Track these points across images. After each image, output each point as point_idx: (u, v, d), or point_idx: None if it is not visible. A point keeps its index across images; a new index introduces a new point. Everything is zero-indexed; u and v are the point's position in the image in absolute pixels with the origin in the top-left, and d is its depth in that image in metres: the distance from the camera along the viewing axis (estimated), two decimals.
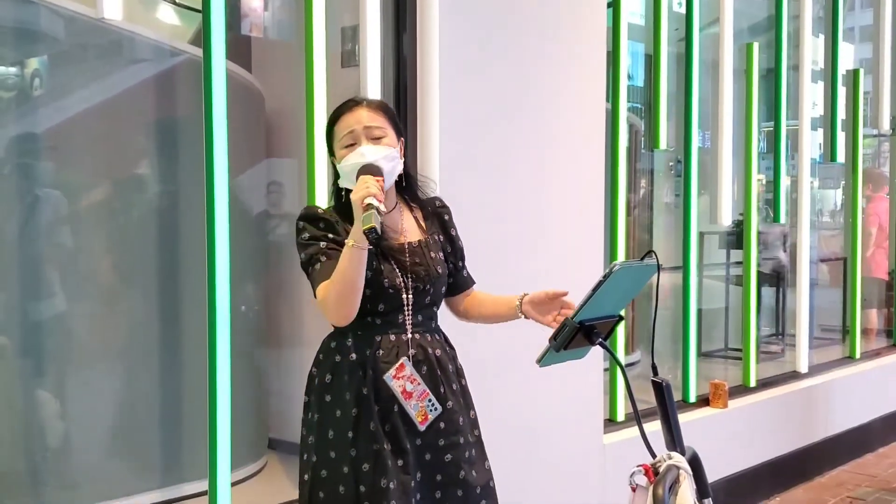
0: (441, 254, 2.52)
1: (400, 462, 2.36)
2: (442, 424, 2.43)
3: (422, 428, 2.39)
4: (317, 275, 2.32)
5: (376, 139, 2.36)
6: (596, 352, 2.37)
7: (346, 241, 2.25)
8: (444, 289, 2.53)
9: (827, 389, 5.73)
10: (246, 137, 3.87)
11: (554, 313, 2.42)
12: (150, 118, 3.64)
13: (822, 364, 6.02)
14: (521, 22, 3.75)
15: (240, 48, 4.30)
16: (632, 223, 5.50)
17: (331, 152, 2.45)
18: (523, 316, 2.49)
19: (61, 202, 3.34)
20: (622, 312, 2.34)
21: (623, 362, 2.46)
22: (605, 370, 4.34)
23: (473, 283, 2.68)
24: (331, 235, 2.34)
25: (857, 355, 6.33)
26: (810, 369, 5.79)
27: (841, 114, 6.32)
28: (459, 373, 2.56)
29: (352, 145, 2.35)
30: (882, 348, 6.81)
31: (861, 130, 6.44)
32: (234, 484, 3.13)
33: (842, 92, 6.34)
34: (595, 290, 2.11)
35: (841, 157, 6.35)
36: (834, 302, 7.16)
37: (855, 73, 6.50)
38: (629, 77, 4.56)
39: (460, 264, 2.62)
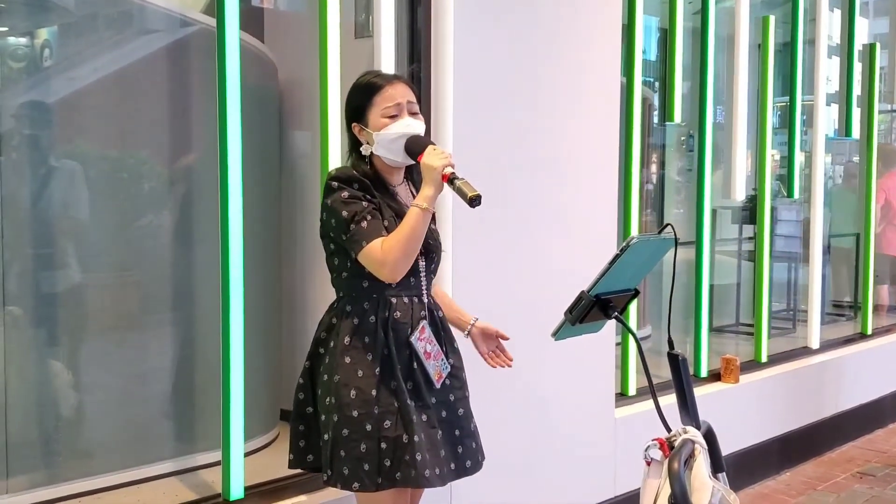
0: (436, 226, 2.66)
1: (424, 417, 2.47)
2: (448, 381, 2.57)
3: (438, 385, 2.52)
4: (365, 232, 2.39)
5: (413, 114, 2.52)
6: (608, 325, 2.37)
7: (412, 203, 2.39)
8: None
9: (838, 365, 5.72)
10: (259, 108, 3.86)
11: (491, 350, 2.77)
12: (163, 89, 3.62)
13: (834, 340, 6.01)
14: None
15: (252, 18, 4.27)
16: (643, 198, 5.47)
17: (358, 119, 2.53)
18: (467, 335, 2.75)
19: (77, 172, 3.33)
20: (638, 286, 2.34)
21: (637, 336, 2.46)
22: (617, 344, 4.34)
23: None
24: (368, 196, 2.44)
25: (869, 331, 6.32)
26: (822, 345, 5.78)
27: (856, 89, 6.27)
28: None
29: (394, 116, 2.48)
30: (893, 325, 6.79)
31: (877, 106, 6.39)
32: (246, 454, 3.15)
33: (857, 67, 6.28)
34: (612, 263, 2.11)
35: (855, 132, 6.30)
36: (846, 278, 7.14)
37: (871, 47, 6.44)
38: (643, 51, 4.52)
39: None
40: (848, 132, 6.25)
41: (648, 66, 5.99)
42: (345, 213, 2.40)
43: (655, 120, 6.11)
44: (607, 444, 4.10)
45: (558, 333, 2.24)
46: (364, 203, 2.41)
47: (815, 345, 5.74)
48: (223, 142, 2.97)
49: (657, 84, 6.10)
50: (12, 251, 3.18)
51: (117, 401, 3.51)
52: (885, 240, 7.00)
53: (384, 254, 2.36)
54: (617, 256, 2.10)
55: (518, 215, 3.67)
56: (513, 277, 3.65)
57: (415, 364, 2.48)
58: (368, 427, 2.40)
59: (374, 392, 2.41)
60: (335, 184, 2.44)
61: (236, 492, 3.05)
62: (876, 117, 6.37)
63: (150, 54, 3.64)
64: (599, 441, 4.08)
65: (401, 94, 2.50)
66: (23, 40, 3.39)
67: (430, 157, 2.37)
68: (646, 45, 5.53)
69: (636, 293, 2.30)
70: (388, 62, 3.28)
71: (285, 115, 4.23)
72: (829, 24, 6.02)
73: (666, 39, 4.82)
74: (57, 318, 3.37)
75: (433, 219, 2.61)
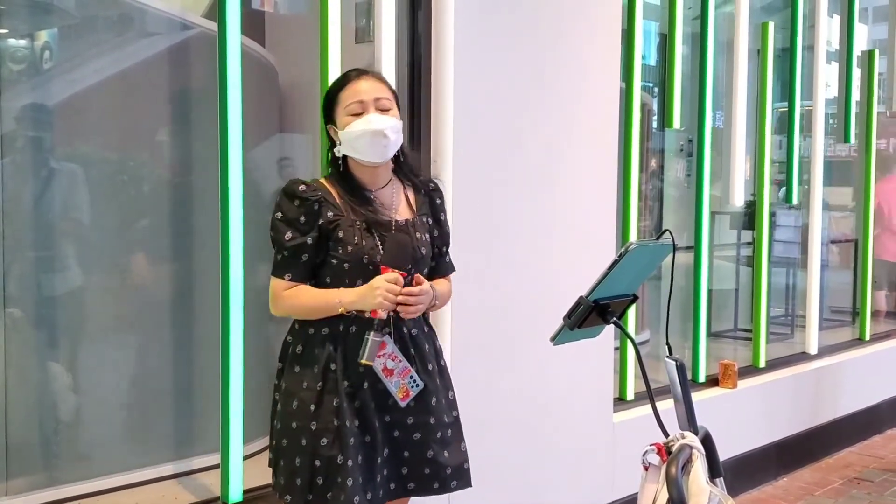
0: (427, 235, 2.51)
1: (367, 438, 2.38)
2: (412, 403, 2.43)
3: (403, 404, 2.41)
4: (277, 266, 2.39)
5: (384, 111, 2.41)
6: (607, 330, 2.38)
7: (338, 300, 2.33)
8: (426, 270, 2.52)
9: (836, 371, 5.73)
10: (259, 112, 3.86)
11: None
12: (163, 92, 3.63)
13: (832, 345, 6.02)
14: (536, 0, 3.74)
15: (254, 22, 4.28)
16: (642, 203, 5.48)
17: (330, 120, 2.46)
18: None
19: (78, 174, 3.34)
20: (636, 292, 2.35)
21: (635, 341, 2.46)
22: (615, 349, 4.35)
23: (453, 270, 2.69)
24: (302, 220, 2.35)
25: (867, 337, 6.32)
26: (820, 350, 5.79)
27: (855, 95, 6.28)
28: (438, 353, 2.56)
29: (359, 114, 2.38)
30: (892, 330, 6.79)
31: (875, 112, 6.40)
32: (245, 458, 3.15)
33: (856, 73, 6.29)
34: (610, 268, 2.11)
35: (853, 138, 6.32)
36: (844, 283, 7.14)
37: (870, 53, 6.46)
38: (642, 56, 4.53)
39: (444, 249, 2.62)
40: (846, 137, 6.27)
41: (648, 70, 6.00)
42: (271, 233, 2.39)
43: (655, 125, 6.11)
44: (606, 449, 4.10)
45: (557, 338, 2.25)
46: (288, 233, 2.35)
47: (813, 350, 5.75)
48: (224, 145, 2.98)
49: (656, 89, 6.10)
50: (13, 253, 3.19)
51: (117, 403, 3.51)
52: (880, 245, 7.00)
53: (280, 299, 2.39)
54: (615, 262, 2.11)
55: (517, 220, 3.68)
56: (512, 282, 3.66)
57: (366, 384, 2.38)
58: (304, 441, 2.35)
59: (312, 407, 2.35)
60: (278, 198, 2.39)
61: (235, 495, 3.06)
62: (874, 123, 6.38)
63: (151, 57, 3.65)
64: (598, 445, 4.08)
65: (367, 89, 2.40)
66: (23, 42, 3.40)
67: (370, 295, 2.29)
68: (645, 50, 5.54)
69: (634, 298, 2.31)
70: (388, 67, 3.29)
71: (286, 119, 4.24)
72: (829, 30, 6.04)
73: (665, 44, 4.83)
74: (57, 321, 3.38)
75: (426, 227, 2.52)
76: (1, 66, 3.27)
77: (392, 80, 3.31)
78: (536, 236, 3.76)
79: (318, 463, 2.33)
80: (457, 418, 2.57)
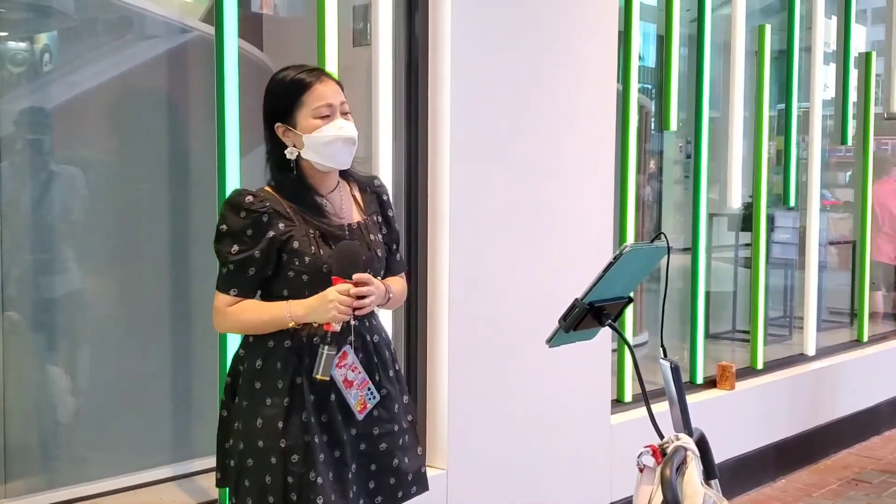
0: (379, 235, 2.46)
1: (337, 453, 2.33)
2: (376, 412, 2.38)
3: (360, 417, 2.35)
4: (221, 280, 2.33)
5: (344, 115, 2.36)
6: (604, 332, 2.38)
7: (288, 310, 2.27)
8: (382, 272, 2.46)
9: (834, 372, 5.73)
10: (257, 115, 3.87)
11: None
12: (161, 95, 3.64)
13: (830, 347, 6.03)
14: (533, 1, 3.74)
15: (252, 25, 4.29)
16: (640, 205, 5.49)
17: (283, 120, 2.37)
18: None
19: (77, 177, 3.35)
20: (631, 294, 2.35)
21: (631, 343, 2.47)
22: (613, 351, 4.35)
23: (405, 268, 2.63)
24: (249, 232, 2.28)
25: (865, 338, 6.33)
26: (818, 352, 5.79)
27: (852, 96, 6.29)
28: (394, 358, 2.51)
29: (325, 117, 2.32)
30: (890, 332, 6.80)
31: (873, 113, 6.41)
32: None
33: (853, 74, 6.30)
34: (605, 271, 2.12)
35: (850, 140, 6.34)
36: (842, 285, 7.16)
37: (867, 55, 6.46)
38: (639, 58, 4.54)
39: (395, 247, 2.55)
40: (844, 139, 6.28)
41: (645, 72, 6.00)
42: (215, 246, 2.32)
43: (653, 126, 6.12)
44: (603, 451, 4.11)
45: (552, 340, 2.26)
46: (234, 247, 2.28)
47: (811, 352, 5.75)
48: (221, 148, 2.99)
49: (654, 91, 6.12)
50: (11, 256, 3.20)
51: (115, 406, 3.51)
52: (874, 247, 7.01)
53: (224, 315, 2.31)
54: (611, 264, 2.12)
55: (514, 222, 3.69)
56: (509, 284, 3.67)
57: (332, 395, 2.31)
58: (273, 460, 2.27)
59: (280, 424, 2.27)
60: (223, 210, 2.32)
61: None
62: (872, 125, 6.39)
63: (149, 60, 3.66)
64: (596, 447, 4.09)
65: (332, 93, 2.34)
66: (22, 45, 3.40)
67: (323, 307, 2.22)
68: (644, 51, 5.55)
69: (630, 301, 2.31)
70: (385, 70, 3.30)
71: None
72: (826, 32, 6.05)
73: (663, 46, 4.85)
74: (55, 324, 3.39)
75: (377, 227, 2.47)
76: (0, 69, 3.28)
77: (389, 83, 3.33)
78: (534, 238, 3.77)
79: (290, 480, 2.26)
80: (412, 422, 2.52)
